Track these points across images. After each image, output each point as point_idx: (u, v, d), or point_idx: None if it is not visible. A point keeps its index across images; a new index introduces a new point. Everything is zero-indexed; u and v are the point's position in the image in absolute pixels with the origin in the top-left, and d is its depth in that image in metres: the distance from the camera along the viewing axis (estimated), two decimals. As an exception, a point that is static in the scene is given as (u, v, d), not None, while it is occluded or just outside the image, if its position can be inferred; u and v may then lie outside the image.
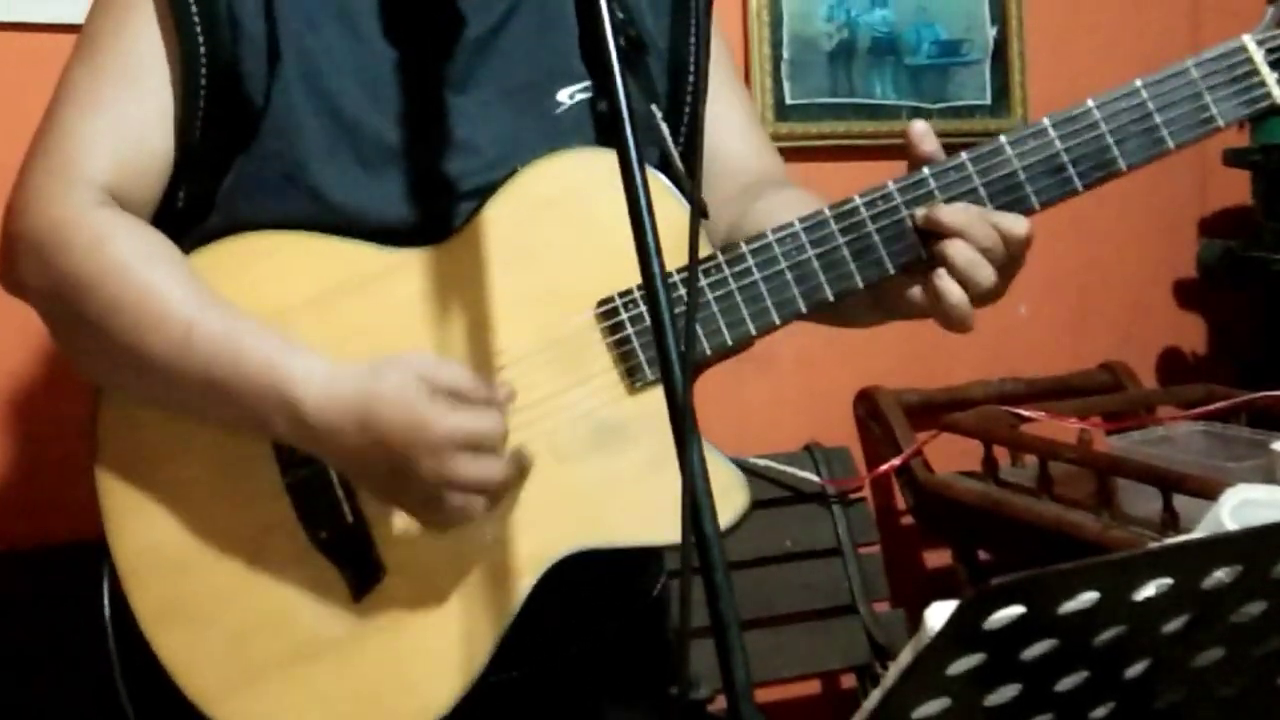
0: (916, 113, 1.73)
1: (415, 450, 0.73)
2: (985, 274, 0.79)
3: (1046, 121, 0.82)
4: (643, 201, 0.61)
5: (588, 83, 0.85)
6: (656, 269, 0.60)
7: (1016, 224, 0.79)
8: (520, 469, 0.77)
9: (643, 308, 0.81)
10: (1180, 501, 1.30)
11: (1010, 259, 0.80)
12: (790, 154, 1.71)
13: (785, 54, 1.66)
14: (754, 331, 0.82)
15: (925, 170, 0.82)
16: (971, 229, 0.79)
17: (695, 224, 0.64)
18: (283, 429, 0.76)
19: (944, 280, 0.79)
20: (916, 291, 0.82)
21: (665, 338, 0.59)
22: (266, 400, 0.75)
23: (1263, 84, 0.82)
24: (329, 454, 0.77)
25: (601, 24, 0.64)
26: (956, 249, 0.79)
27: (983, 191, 0.82)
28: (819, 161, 1.70)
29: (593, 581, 0.83)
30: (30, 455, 1.34)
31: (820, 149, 1.69)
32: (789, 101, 1.67)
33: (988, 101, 1.77)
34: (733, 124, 0.93)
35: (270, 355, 0.76)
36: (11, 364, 1.32)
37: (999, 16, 1.77)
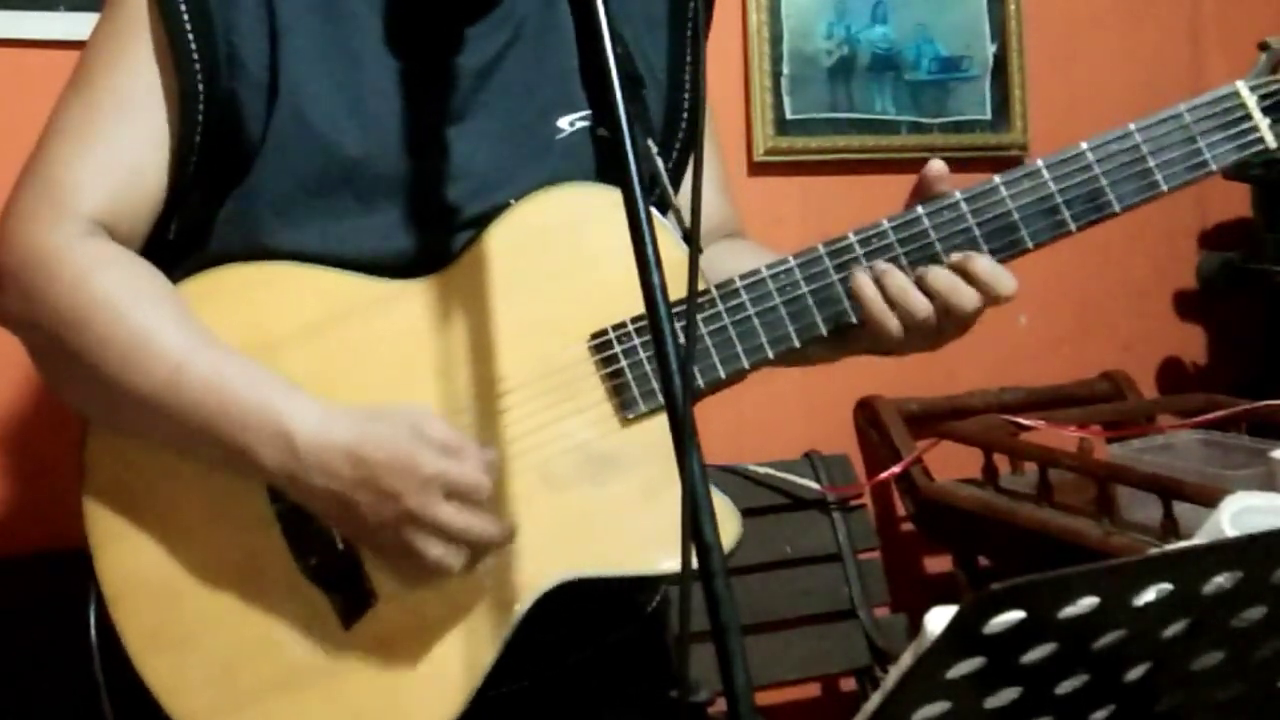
0: (916, 127, 1.74)
1: (404, 487, 0.74)
2: (921, 303, 0.80)
3: (1040, 163, 0.83)
4: (645, 231, 0.62)
5: (588, 111, 0.86)
6: (657, 283, 0.61)
7: (986, 266, 0.80)
8: (506, 537, 0.78)
9: (636, 340, 0.81)
10: (1180, 509, 1.30)
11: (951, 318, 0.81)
12: (790, 168, 1.74)
13: (785, 69, 1.67)
14: (747, 365, 0.83)
15: (919, 209, 0.83)
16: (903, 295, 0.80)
17: (695, 237, 0.65)
18: (272, 463, 0.76)
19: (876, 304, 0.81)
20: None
21: (665, 346, 0.60)
22: (259, 434, 0.75)
23: (1255, 129, 0.84)
24: (314, 492, 0.76)
25: (606, 61, 0.64)
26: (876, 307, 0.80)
27: (977, 231, 0.82)
28: (818, 176, 1.70)
29: (589, 599, 0.83)
30: (21, 462, 1.34)
31: (820, 163, 1.70)
32: (789, 116, 1.68)
33: (988, 116, 1.78)
34: (707, 173, 0.95)
35: (263, 393, 0.76)
36: (4, 371, 1.32)
37: (999, 33, 1.78)
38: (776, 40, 1.67)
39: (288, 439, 0.75)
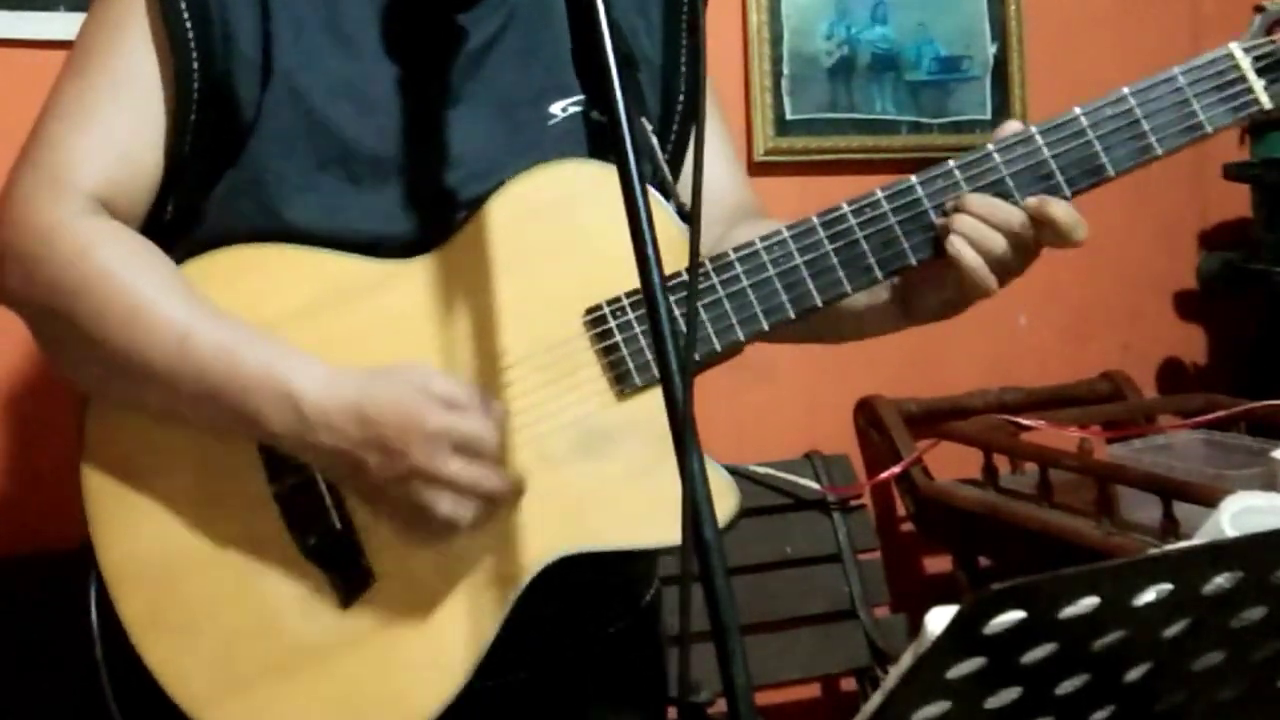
0: (916, 127, 1.75)
1: (410, 442, 0.74)
2: (998, 240, 0.80)
3: (1034, 129, 0.83)
4: (642, 210, 0.62)
5: (580, 96, 0.86)
6: (655, 273, 0.61)
7: (1064, 210, 0.81)
8: (515, 490, 0.78)
9: (630, 315, 0.81)
10: (1181, 509, 1.30)
11: (1026, 238, 0.81)
12: (790, 168, 1.74)
13: (785, 70, 1.67)
14: (743, 338, 0.83)
15: (912, 178, 0.83)
16: (986, 208, 0.81)
17: (696, 222, 0.65)
18: (278, 425, 0.76)
19: (958, 245, 0.81)
20: (944, 286, 0.84)
21: (665, 345, 0.60)
22: (264, 396, 0.75)
23: (1250, 90, 0.83)
24: (321, 452, 0.77)
25: (601, 39, 0.64)
26: (966, 220, 0.81)
27: None
28: (819, 176, 1.71)
29: (585, 587, 0.83)
30: (20, 461, 1.34)
31: (820, 163, 1.70)
32: (789, 117, 1.68)
33: (988, 117, 1.78)
34: (715, 150, 0.94)
35: (269, 356, 0.76)
36: (3, 368, 1.32)
37: (999, 33, 1.79)
38: (776, 40, 1.67)
39: (294, 400, 0.75)
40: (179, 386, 0.77)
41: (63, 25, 1.29)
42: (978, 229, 0.80)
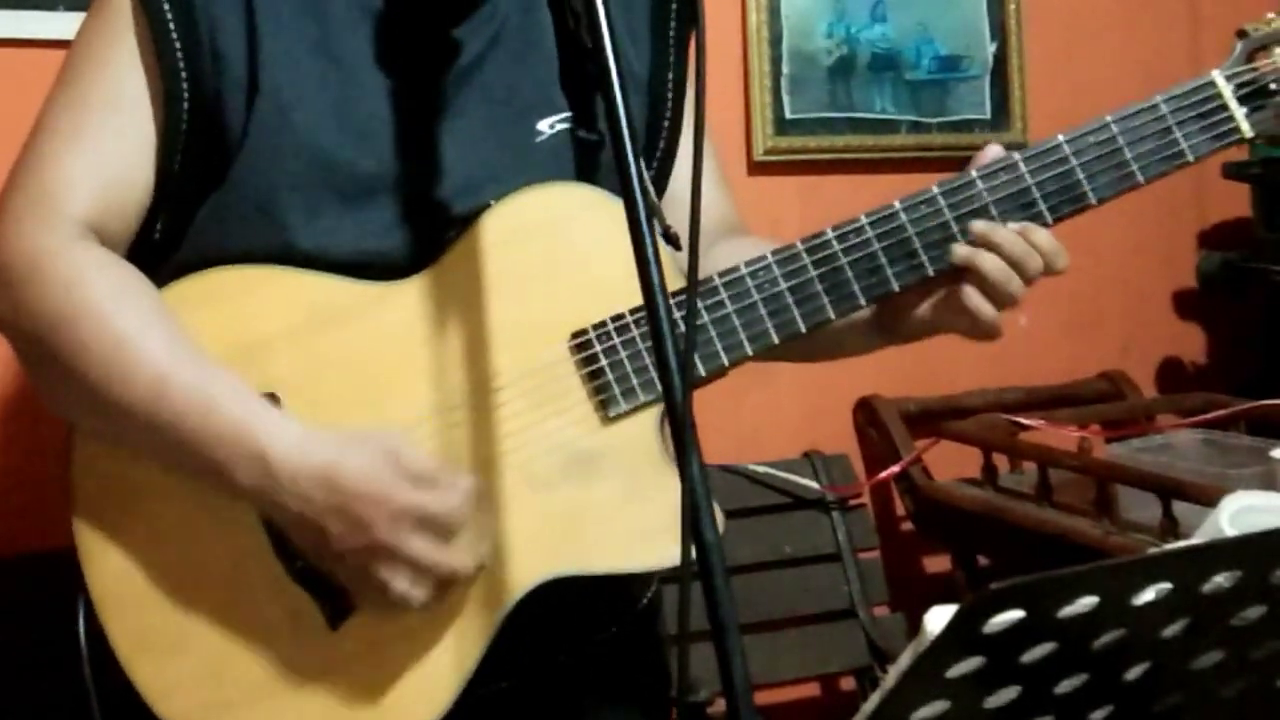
0: (916, 127, 1.75)
1: (375, 516, 0.74)
2: (1016, 285, 0.82)
3: (1017, 156, 0.84)
4: (645, 231, 0.63)
5: (568, 113, 0.86)
6: (658, 287, 0.61)
7: (1046, 238, 0.83)
8: (473, 570, 0.78)
9: (616, 340, 0.82)
10: (1180, 508, 1.30)
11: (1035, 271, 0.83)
12: (789, 168, 1.74)
13: (785, 69, 1.67)
14: (726, 363, 0.83)
15: (896, 204, 0.83)
16: (1007, 244, 0.82)
17: (695, 224, 0.65)
18: (246, 481, 0.76)
19: (974, 298, 0.83)
20: (925, 311, 0.85)
21: (666, 352, 0.60)
22: (235, 451, 0.75)
23: (1231, 119, 0.84)
24: (285, 513, 0.76)
25: (605, 58, 0.64)
26: (991, 261, 0.82)
27: (954, 226, 0.83)
28: (818, 175, 1.71)
29: (579, 596, 0.83)
30: (10, 463, 1.33)
31: (819, 163, 1.70)
32: (789, 116, 1.68)
33: (987, 116, 1.78)
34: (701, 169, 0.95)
35: (244, 410, 0.76)
36: (2, 368, 1.32)
37: (998, 32, 1.79)
38: (776, 40, 1.67)
39: (263, 459, 0.75)
40: (153, 429, 0.77)
41: (63, 25, 1.29)
42: (1005, 272, 0.82)
